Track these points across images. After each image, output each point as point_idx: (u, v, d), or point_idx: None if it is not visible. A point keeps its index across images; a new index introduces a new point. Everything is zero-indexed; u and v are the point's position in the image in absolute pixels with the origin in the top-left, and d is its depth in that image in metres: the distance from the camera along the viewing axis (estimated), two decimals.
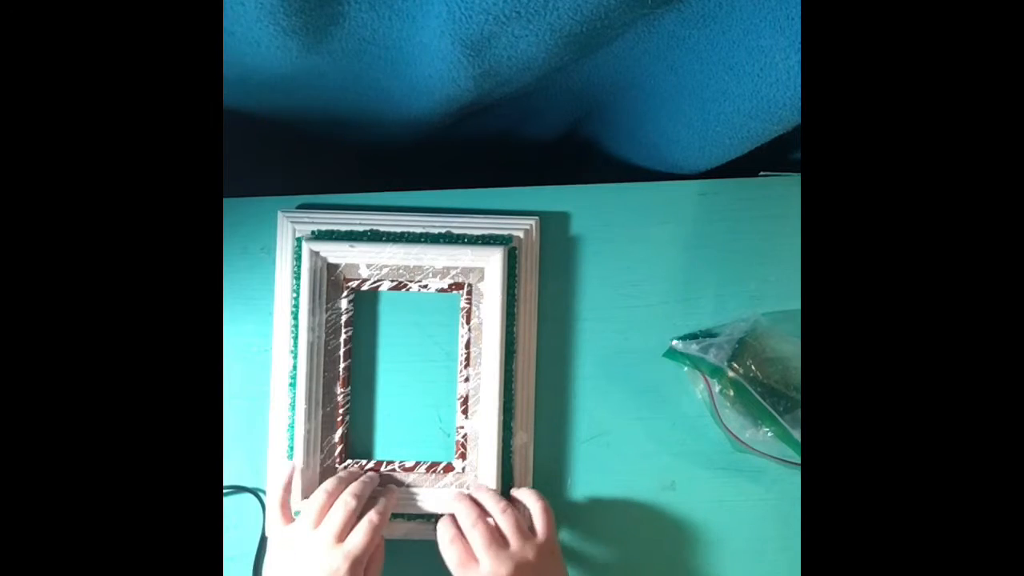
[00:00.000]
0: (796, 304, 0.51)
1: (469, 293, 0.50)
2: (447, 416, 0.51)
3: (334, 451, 0.49)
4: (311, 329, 0.48)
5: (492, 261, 0.49)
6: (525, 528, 0.44)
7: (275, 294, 0.50)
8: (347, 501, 0.43)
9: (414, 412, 0.51)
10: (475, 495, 0.47)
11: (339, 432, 0.50)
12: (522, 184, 0.52)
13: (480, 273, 0.50)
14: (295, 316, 0.49)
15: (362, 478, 0.47)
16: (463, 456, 0.50)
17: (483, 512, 0.45)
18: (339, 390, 0.50)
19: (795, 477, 0.50)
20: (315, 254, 0.48)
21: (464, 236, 0.50)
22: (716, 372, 0.49)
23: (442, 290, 0.50)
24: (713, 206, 0.52)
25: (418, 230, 0.50)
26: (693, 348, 0.49)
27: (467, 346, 0.50)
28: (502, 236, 0.50)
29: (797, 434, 0.47)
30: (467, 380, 0.50)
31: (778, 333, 0.50)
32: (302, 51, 0.41)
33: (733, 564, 0.50)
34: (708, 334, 0.51)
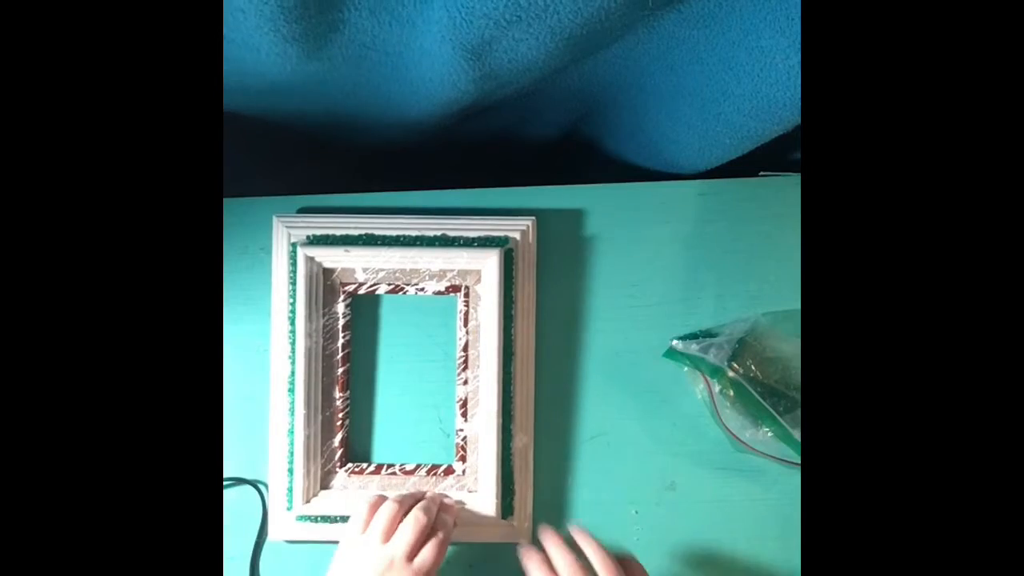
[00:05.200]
0: (796, 304, 0.51)
1: (466, 295, 0.50)
2: (447, 418, 0.51)
3: (334, 456, 0.49)
4: (308, 335, 0.48)
5: (489, 263, 0.49)
6: None
7: (272, 300, 0.50)
8: (418, 517, 0.43)
9: (414, 415, 0.51)
10: (581, 545, 0.42)
11: (339, 436, 0.50)
12: (522, 184, 0.52)
13: (477, 275, 0.50)
14: (292, 322, 0.49)
15: (429, 495, 0.47)
16: (463, 459, 0.50)
17: (579, 563, 0.41)
18: (338, 394, 0.50)
19: (795, 477, 0.50)
20: (311, 259, 0.48)
21: (460, 238, 0.50)
22: (716, 372, 0.49)
23: (439, 293, 0.50)
24: (713, 206, 0.52)
25: (414, 233, 0.50)
26: (693, 348, 0.49)
27: (465, 348, 0.50)
28: (499, 238, 0.50)
29: (797, 434, 0.47)
30: (466, 383, 0.50)
31: (778, 333, 0.50)
32: (302, 57, 0.41)
33: (733, 564, 0.50)
34: (708, 334, 0.51)
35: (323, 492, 0.49)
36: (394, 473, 0.50)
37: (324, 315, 0.49)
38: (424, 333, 0.51)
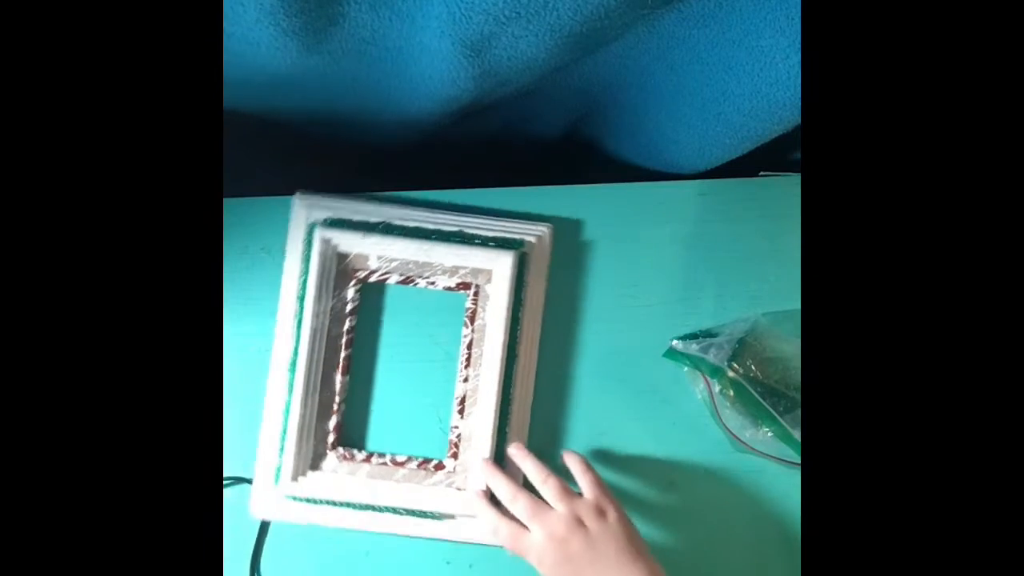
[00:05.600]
0: (796, 304, 0.51)
1: (476, 294, 0.50)
2: (444, 415, 0.51)
3: (327, 437, 0.49)
4: (316, 315, 0.48)
5: (501, 264, 0.48)
6: (571, 491, 0.44)
7: (283, 276, 0.49)
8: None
9: (410, 407, 0.51)
10: (519, 464, 0.46)
11: (333, 420, 0.50)
12: (522, 184, 0.52)
13: (488, 275, 0.49)
14: (301, 301, 0.48)
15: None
16: (455, 455, 0.50)
17: (518, 486, 0.45)
18: (338, 378, 0.50)
19: (795, 477, 0.50)
20: (326, 241, 0.48)
21: (476, 237, 0.50)
22: (716, 372, 0.49)
23: (449, 288, 0.50)
24: (713, 206, 0.52)
25: (431, 226, 0.50)
26: (693, 348, 0.49)
27: (469, 347, 0.50)
28: (514, 240, 0.50)
29: (797, 434, 0.47)
30: (466, 380, 0.50)
31: (778, 333, 0.49)
32: (302, 52, 0.41)
33: (733, 564, 0.50)
34: (708, 334, 0.51)
35: (312, 473, 0.49)
36: (384, 463, 0.49)
37: (333, 298, 0.49)
38: (429, 328, 0.51)
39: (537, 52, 0.41)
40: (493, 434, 0.48)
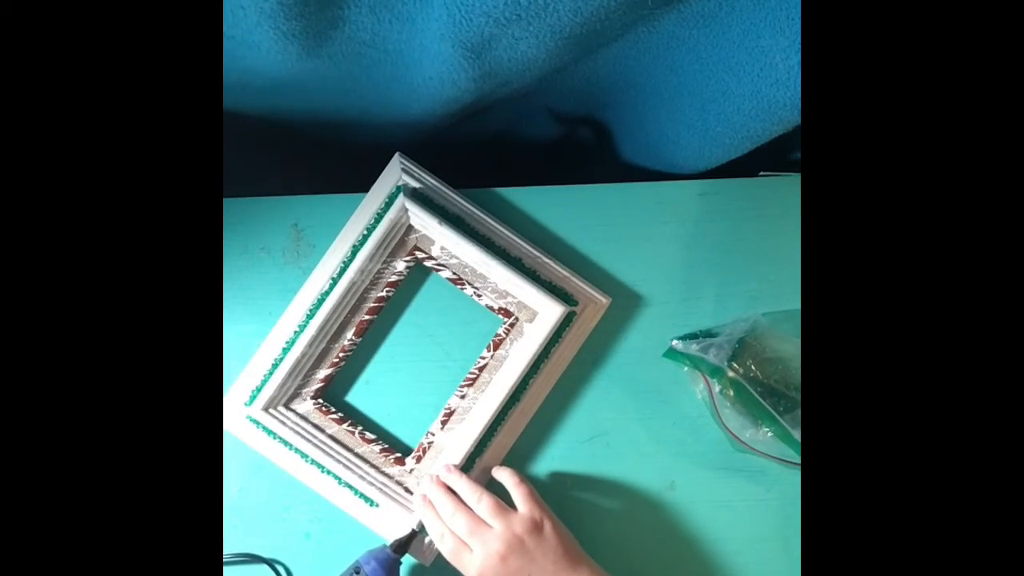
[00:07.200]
0: (796, 304, 0.51)
1: (512, 326, 0.50)
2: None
3: (312, 385, 0.49)
4: (361, 271, 0.48)
5: (549, 311, 0.48)
6: (505, 507, 0.45)
7: (351, 219, 0.49)
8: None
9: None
10: (451, 485, 0.47)
11: (327, 372, 0.50)
12: (522, 184, 0.52)
13: (532, 314, 0.49)
14: (355, 251, 0.48)
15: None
16: (419, 460, 0.50)
17: (460, 500, 0.46)
18: (349, 336, 0.50)
19: (795, 477, 0.50)
20: (403, 210, 0.48)
21: (538, 274, 0.50)
22: (716, 372, 0.49)
23: (490, 308, 0.50)
24: (713, 206, 0.52)
25: (500, 243, 0.49)
26: (693, 348, 0.49)
27: (480, 369, 0.50)
28: (570, 296, 0.50)
29: (797, 434, 0.47)
30: (463, 398, 0.50)
31: (778, 333, 0.49)
32: (302, 54, 0.41)
33: (733, 564, 0.50)
34: (708, 334, 0.51)
35: (283, 409, 0.49)
36: (353, 432, 0.50)
37: (384, 262, 0.49)
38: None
39: (537, 53, 0.41)
40: (466, 456, 0.48)
